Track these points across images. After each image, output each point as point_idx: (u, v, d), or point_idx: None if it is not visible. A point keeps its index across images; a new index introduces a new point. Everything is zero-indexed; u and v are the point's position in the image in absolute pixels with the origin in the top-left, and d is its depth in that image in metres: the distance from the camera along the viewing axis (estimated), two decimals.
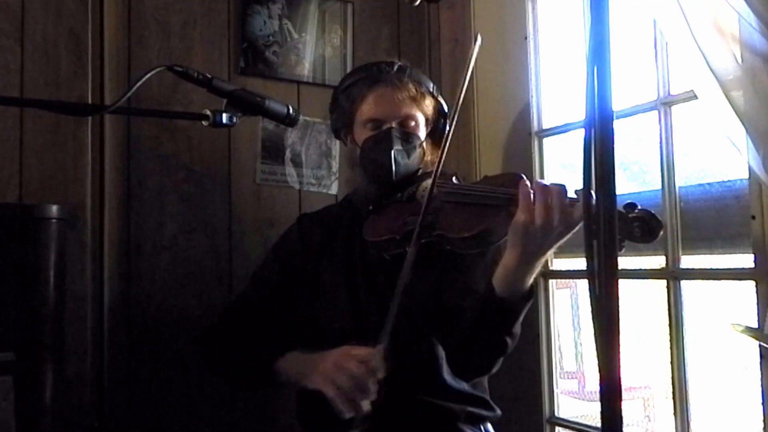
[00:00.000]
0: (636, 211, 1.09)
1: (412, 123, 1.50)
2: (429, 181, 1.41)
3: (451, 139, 1.33)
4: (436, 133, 1.57)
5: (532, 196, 1.14)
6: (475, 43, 1.38)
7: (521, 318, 1.26)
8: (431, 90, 1.55)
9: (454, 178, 1.44)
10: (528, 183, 1.18)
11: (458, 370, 1.40)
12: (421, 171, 1.51)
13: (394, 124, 1.47)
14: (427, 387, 1.43)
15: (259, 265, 1.65)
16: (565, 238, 1.16)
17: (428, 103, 1.53)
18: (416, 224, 1.29)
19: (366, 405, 1.20)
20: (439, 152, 1.49)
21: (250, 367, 1.43)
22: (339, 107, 1.56)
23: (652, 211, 1.10)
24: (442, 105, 1.58)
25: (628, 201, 1.10)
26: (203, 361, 1.57)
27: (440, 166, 1.31)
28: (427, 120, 1.54)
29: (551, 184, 1.15)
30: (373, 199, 1.48)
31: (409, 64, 1.57)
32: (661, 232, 1.10)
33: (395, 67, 1.51)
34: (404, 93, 1.48)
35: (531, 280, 1.22)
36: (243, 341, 1.48)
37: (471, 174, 2.10)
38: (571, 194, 1.15)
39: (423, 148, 1.51)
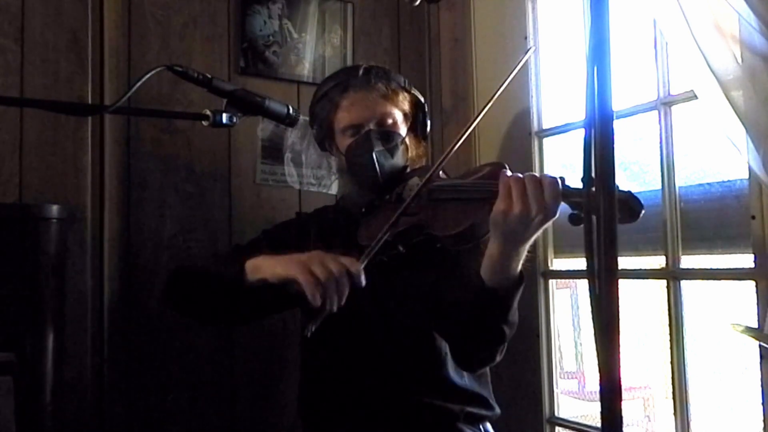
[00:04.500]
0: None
1: (390, 121, 1.49)
2: (416, 179, 1.42)
3: (450, 139, 1.33)
4: (417, 128, 1.57)
5: (509, 185, 1.14)
6: (526, 53, 1.40)
7: (515, 304, 1.26)
8: (403, 85, 1.54)
9: (441, 173, 1.43)
10: (508, 173, 1.18)
11: (463, 363, 1.41)
12: (409, 168, 1.51)
13: (371, 126, 1.47)
14: (430, 384, 1.43)
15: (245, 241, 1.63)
16: (545, 226, 1.16)
17: (402, 99, 1.53)
18: (406, 224, 1.31)
19: (334, 303, 1.18)
20: (429, 150, 1.49)
21: (217, 277, 1.38)
22: (317, 120, 1.56)
23: (631, 191, 1.10)
24: (418, 98, 1.57)
25: None
26: (164, 298, 1.53)
27: (434, 170, 1.32)
28: (405, 115, 1.53)
29: (526, 174, 1.15)
30: (365, 202, 1.48)
31: (374, 64, 1.57)
32: (643, 212, 1.10)
33: (361, 71, 1.51)
34: (374, 93, 1.48)
35: (519, 267, 1.22)
36: (209, 264, 1.46)
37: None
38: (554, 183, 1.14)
39: (406, 144, 1.51)
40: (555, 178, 1.14)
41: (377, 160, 1.44)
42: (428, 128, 1.60)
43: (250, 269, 1.31)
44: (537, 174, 1.15)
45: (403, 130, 1.52)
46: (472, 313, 1.26)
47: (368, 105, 1.48)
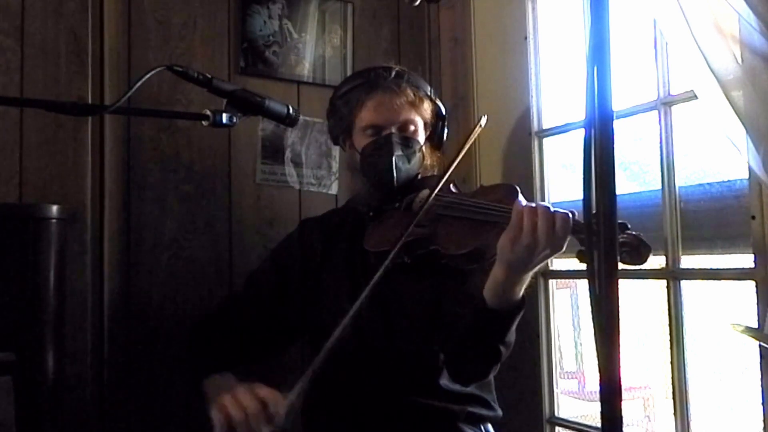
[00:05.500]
0: (625, 234, 1.10)
1: (412, 128, 1.50)
2: (426, 191, 1.42)
3: (450, 139, 1.34)
4: (434, 137, 1.58)
5: (522, 215, 1.15)
6: (478, 123, 1.42)
7: (513, 327, 1.26)
8: (429, 93, 1.55)
9: (451, 186, 1.44)
10: (521, 201, 1.19)
11: (456, 376, 1.41)
12: (420, 175, 1.51)
13: (393, 130, 1.48)
14: (431, 387, 1.44)
15: (257, 267, 1.65)
16: (551, 258, 1.18)
17: (426, 107, 1.53)
18: (414, 235, 1.31)
19: None
20: (441, 162, 1.51)
21: (197, 372, 1.43)
22: (337, 113, 1.56)
23: (641, 236, 1.10)
24: (439, 107, 1.58)
25: (620, 221, 1.09)
26: (185, 353, 1.57)
27: (443, 183, 1.34)
28: (425, 124, 1.54)
29: (539, 205, 1.16)
30: (374, 204, 1.49)
31: (406, 67, 1.57)
32: (650, 256, 1.10)
33: (393, 73, 1.51)
34: (402, 98, 1.48)
35: (521, 291, 1.23)
36: (213, 346, 1.48)
37: (471, 175, 2.10)
38: (562, 214, 1.15)
39: (422, 152, 1.52)
40: (567, 214, 1.15)
41: (395, 165, 1.45)
42: (444, 138, 1.61)
43: (204, 386, 1.36)
44: (550, 207, 1.16)
45: (422, 137, 1.53)
46: (470, 330, 1.26)
47: (394, 108, 1.48)
